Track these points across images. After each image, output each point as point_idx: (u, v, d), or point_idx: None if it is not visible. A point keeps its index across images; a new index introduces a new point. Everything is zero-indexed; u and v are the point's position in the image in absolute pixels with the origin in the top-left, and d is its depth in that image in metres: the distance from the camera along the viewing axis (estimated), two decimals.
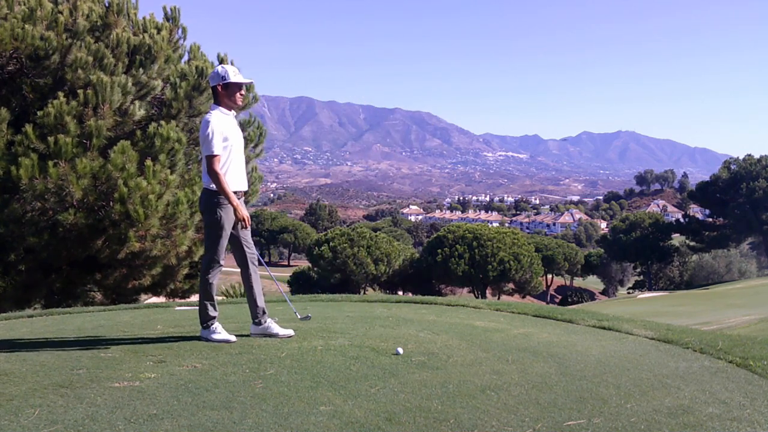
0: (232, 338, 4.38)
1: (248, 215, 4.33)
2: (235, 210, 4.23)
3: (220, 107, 4.36)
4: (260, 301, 4.52)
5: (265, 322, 4.54)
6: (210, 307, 4.39)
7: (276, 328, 4.54)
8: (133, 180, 8.46)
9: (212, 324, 4.40)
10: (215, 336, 4.36)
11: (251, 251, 4.53)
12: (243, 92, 4.44)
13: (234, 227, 4.39)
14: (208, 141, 4.19)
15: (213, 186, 4.25)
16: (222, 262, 4.41)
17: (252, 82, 4.44)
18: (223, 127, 4.26)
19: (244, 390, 3.23)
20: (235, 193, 4.32)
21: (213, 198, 4.27)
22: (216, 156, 4.20)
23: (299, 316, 4.96)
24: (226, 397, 3.12)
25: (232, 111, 4.44)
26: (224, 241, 4.36)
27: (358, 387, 3.33)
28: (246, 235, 4.50)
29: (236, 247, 4.51)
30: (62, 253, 9.08)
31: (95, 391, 3.18)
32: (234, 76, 4.31)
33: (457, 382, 3.46)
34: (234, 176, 4.34)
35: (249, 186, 10.77)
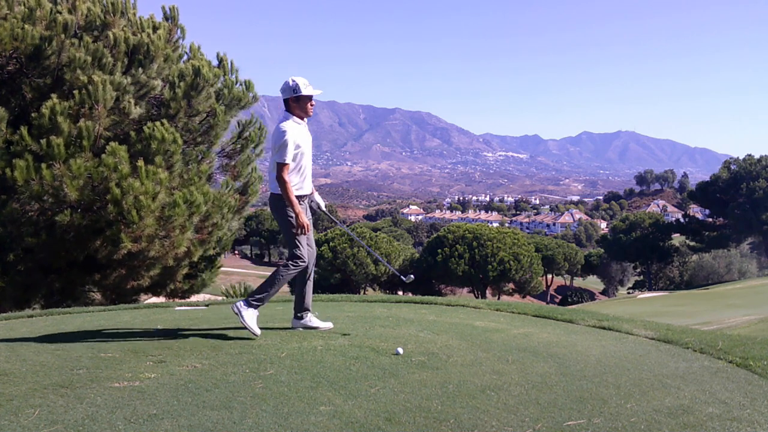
0: (257, 331, 4.45)
1: (309, 222, 4.51)
2: (297, 216, 4.40)
3: (293, 117, 4.53)
4: (308, 299, 4.77)
5: (307, 316, 4.79)
6: (266, 296, 4.48)
7: (316, 322, 4.81)
8: (126, 181, 8.45)
9: (257, 307, 4.47)
10: (246, 316, 4.41)
11: (313, 250, 4.77)
12: (314, 103, 4.64)
13: None
14: (281, 149, 4.38)
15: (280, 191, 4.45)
16: (306, 260, 4.56)
17: (320, 92, 4.60)
18: (296, 137, 4.44)
19: (244, 390, 3.23)
20: (303, 196, 4.58)
21: (281, 200, 4.45)
22: (286, 164, 4.38)
23: (405, 279, 5.23)
24: (226, 397, 3.12)
25: (304, 120, 4.62)
26: (303, 239, 4.52)
27: (358, 387, 3.33)
28: (310, 235, 4.72)
29: None
30: (61, 254, 9.08)
31: (95, 391, 3.18)
32: (305, 88, 4.51)
33: (457, 382, 3.46)
34: (303, 181, 4.57)
35: (262, 186, 10.98)
